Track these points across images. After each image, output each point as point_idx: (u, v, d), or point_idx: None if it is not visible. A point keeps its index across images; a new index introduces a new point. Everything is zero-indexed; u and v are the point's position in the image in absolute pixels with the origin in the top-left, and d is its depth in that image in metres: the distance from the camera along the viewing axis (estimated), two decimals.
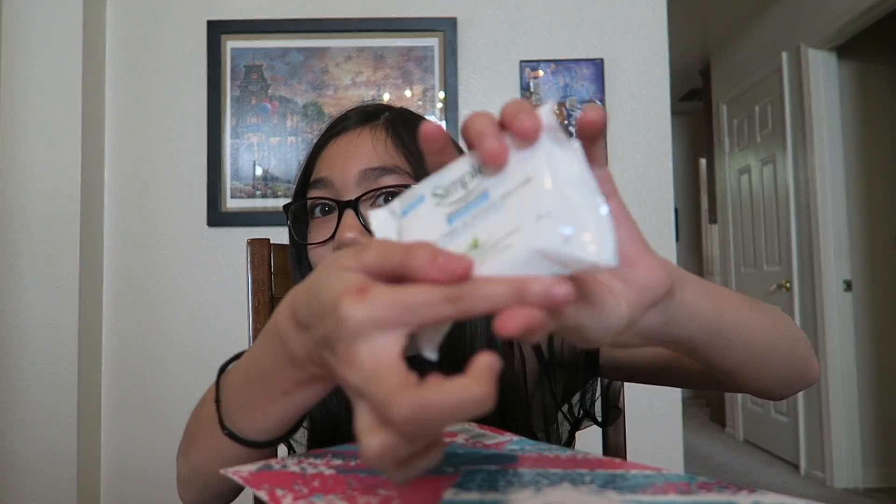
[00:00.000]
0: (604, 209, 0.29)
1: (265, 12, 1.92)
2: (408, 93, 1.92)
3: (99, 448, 1.83)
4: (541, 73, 1.92)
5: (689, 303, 0.40)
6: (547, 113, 0.31)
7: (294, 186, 0.74)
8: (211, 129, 1.89)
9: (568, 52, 1.93)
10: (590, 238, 0.29)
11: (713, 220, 4.94)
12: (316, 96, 1.91)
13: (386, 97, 1.92)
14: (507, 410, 0.68)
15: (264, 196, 1.89)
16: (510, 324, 0.26)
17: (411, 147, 0.66)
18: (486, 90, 1.93)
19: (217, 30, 1.90)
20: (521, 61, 1.92)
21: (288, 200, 0.76)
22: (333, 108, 1.91)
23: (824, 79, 3.27)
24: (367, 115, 0.71)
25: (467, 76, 1.93)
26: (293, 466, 0.38)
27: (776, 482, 3.33)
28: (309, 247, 0.69)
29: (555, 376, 0.73)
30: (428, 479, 0.35)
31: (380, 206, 0.65)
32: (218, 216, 1.88)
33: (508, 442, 0.43)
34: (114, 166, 1.90)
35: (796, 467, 3.50)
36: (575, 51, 1.93)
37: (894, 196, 3.32)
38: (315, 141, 0.74)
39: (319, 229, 0.69)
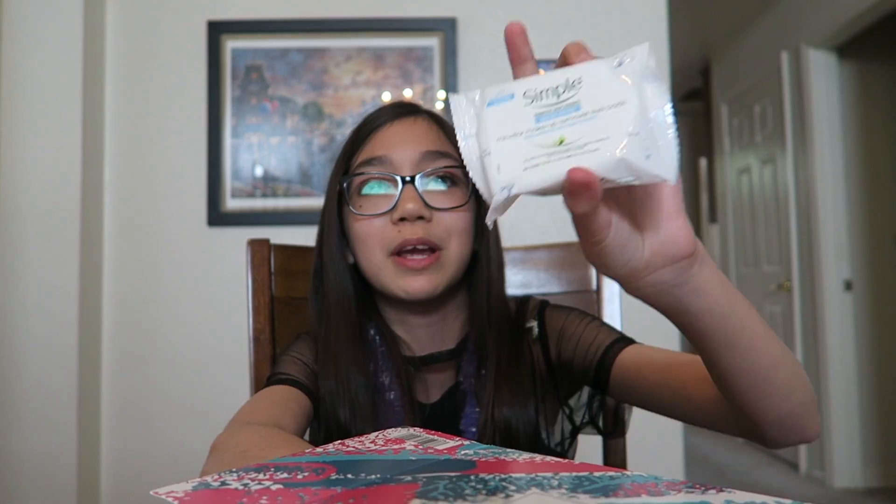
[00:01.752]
0: (675, 139, 0.35)
1: (265, 12, 1.92)
2: (408, 93, 1.92)
3: (99, 448, 1.83)
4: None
5: (704, 279, 0.42)
6: (643, 51, 0.36)
7: (335, 165, 0.76)
8: (211, 129, 1.89)
9: None
10: (662, 159, 0.35)
11: (713, 219, 4.94)
12: (316, 96, 1.91)
13: (386, 97, 1.92)
14: (516, 408, 0.68)
15: (264, 196, 1.89)
16: (579, 173, 0.32)
17: (455, 141, 0.69)
18: None
19: (217, 30, 1.90)
20: None
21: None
22: (333, 108, 1.91)
23: (824, 79, 3.27)
24: (411, 108, 0.76)
25: (467, 76, 1.93)
26: (234, 483, 0.35)
27: (776, 482, 3.33)
28: (362, 220, 0.70)
29: (562, 382, 0.74)
30: (386, 488, 0.33)
31: (434, 185, 0.71)
32: (218, 216, 1.88)
33: (461, 446, 0.42)
34: (114, 166, 1.90)
35: (796, 467, 3.50)
36: None
37: (894, 196, 3.32)
38: (356, 129, 0.76)
39: (373, 204, 0.70)
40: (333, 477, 0.35)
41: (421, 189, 0.69)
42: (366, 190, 0.71)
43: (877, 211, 3.30)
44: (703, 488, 0.32)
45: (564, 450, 0.75)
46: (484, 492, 0.32)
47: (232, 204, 1.89)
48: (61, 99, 1.76)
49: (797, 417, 0.51)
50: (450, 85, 1.89)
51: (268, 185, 1.90)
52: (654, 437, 1.81)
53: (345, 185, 0.72)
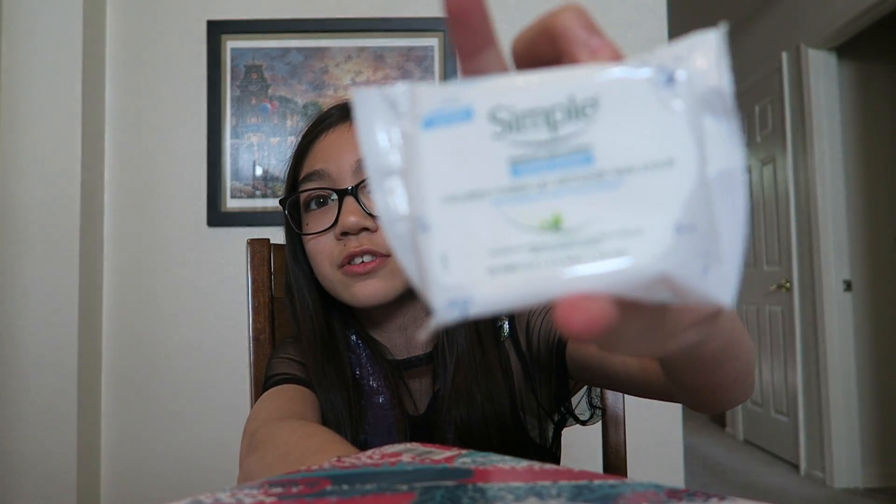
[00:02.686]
0: (744, 230, 0.21)
1: (265, 12, 1.92)
2: None
3: (99, 448, 1.83)
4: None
5: (722, 323, 0.36)
6: (708, 49, 0.21)
7: (285, 183, 0.75)
8: (211, 129, 1.89)
9: None
10: (724, 272, 0.21)
11: None
12: (316, 96, 1.91)
13: None
14: (498, 410, 0.68)
15: (264, 196, 1.89)
16: (574, 317, 0.19)
17: None
18: None
19: (217, 30, 1.90)
20: None
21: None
22: None
23: (824, 79, 3.27)
24: (347, 112, 0.73)
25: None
26: (227, 499, 0.34)
27: (776, 482, 3.33)
28: (309, 238, 0.70)
29: (539, 377, 0.73)
30: (381, 498, 0.33)
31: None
32: (218, 216, 1.88)
33: (458, 455, 0.41)
34: (114, 166, 1.90)
35: (796, 467, 3.50)
36: None
37: (894, 196, 3.32)
38: (300, 138, 0.75)
39: (317, 220, 0.69)
40: (328, 489, 0.35)
41: (363, 198, 0.67)
42: (312, 206, 0.70)
43: (877, 211, 3.30)
44: (704, 496, 0.32)
45: (549, 444, 0.75)
46: (482, 501, 0.32)
47: (232, 204, 1.89)
48: (61, 99, 1.76)
49: (747, 386, 0.49)
50: None
51: (268, 185, 1.90)
52: (654, 438, 1.81)
53: (288, 204, 0.72)
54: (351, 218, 0.66)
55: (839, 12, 3.02)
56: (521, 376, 0.73)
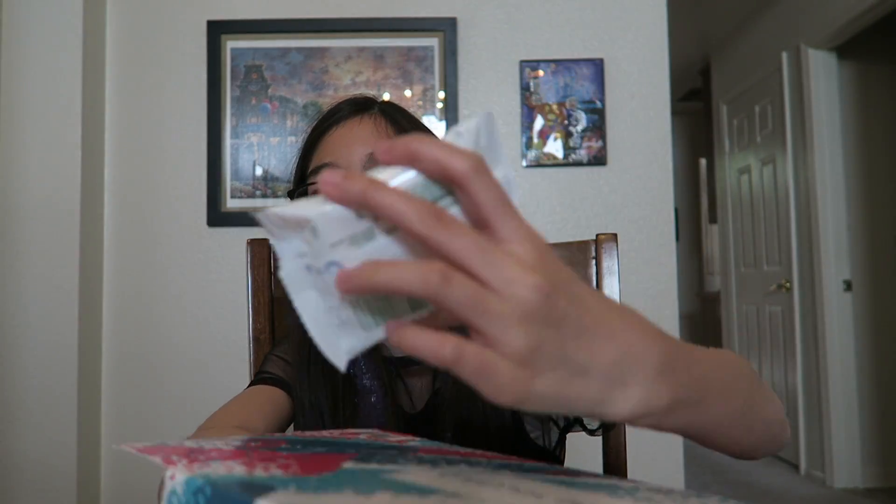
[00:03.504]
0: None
1: (265, 12, 1.92)
2: (408, 93, 1.92)
3: (99, 448, 1.83)
4: (541, 73, 1.92)
5: (677, 419, 0.35)
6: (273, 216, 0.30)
7: (292, 177, 0.74)
8: (211, 129, 1.89)
9: (568, 52, 1.93)
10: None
11: (713, 220, 4.94)
12: (316, 96, 1.91)
13: (386, 97, 1.92)
14: (498, 411, 0.67)
15: (264, 196, 1.89)
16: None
17: (410, 133, 0.67)
18: (486, 90, 1.93)
19: (217, 30, 1.90)
20: (521, 61, 1.92)
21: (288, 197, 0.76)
22: None
23: (824, 79, 3.27)
24: (361, 106, 0.72)
25: (467, 76, 1.93)
26: (189, 443, 0.38)
27: (776, 482, 3.33)
28: None
29: None
30: (328, 455, 0.35)
31: None
32: (218, 216, 1.88)
33: (411, 440, 0.44)
34: (114, 166, 1.90)
35: (796, 467, 3.50)
36: (575, 51, 1.93)
37: (894, 196, 3.32)
38: (309, 131, 0.74)
39: None
40: (283, 446, 0.38)
41: None
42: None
43: (877, 211, 3.30)
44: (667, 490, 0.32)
45: (552, 447, 0.75)
46: (416, 462, 0.34)
47: (232, 204, 1.89)
48: (61, 99, 1.76)
49: (774, 435, 0.48)
50: (450, 85, 1.89)
51: (268, 185, 1.90)
52: (654, 438, 1.81)
53: (296, 197, 0.71)
54: None
55: (839, 12, 3.02)
56: None
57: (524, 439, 0.70)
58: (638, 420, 0.32)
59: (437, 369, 0.71)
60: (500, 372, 0.27)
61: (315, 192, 0.69)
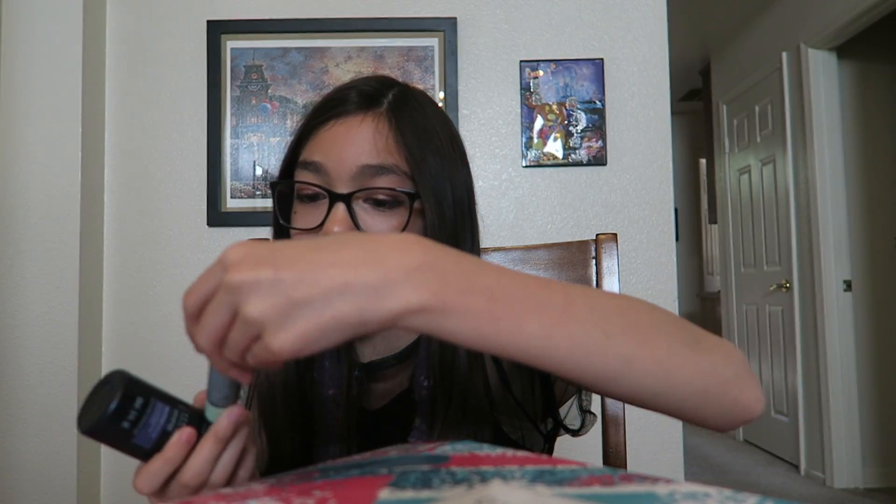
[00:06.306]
0: None
1: (265, 12, 1.92)
2: None
3: (99, 448, 1.83)
4: (541, 73, 1.92)
5: (464, 325, 0.38)
6: None
7: (281, 162, 0.70)
8: (211, 129, 1.89)
9: (568, 52, 1.93)
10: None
11: (713, 220, 4.94)
12: (316, 96, 1.91)
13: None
14: (475, 411, 0.66)
15: (264, 196, 1.89)
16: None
17: (412, 146, 0.65)
18: (486, 90, 1.93)
19: (217, 30, 1.90)
20: (521, 61, 1.92)
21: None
22: None
23: (824, 79, 3.27)
24: (370, 100, 0.67)
25: (467, 76, 1.93)
26: (223, 490, 0.40)
27: (776, 482, 3.33)
28: (294, 232, 0.67)
29: (522, 381, 0.71)
30: (363, 480, 0.35)
31: (370, 205, 0.64)
32: (218, 216, 1.88)
33: (440, 445, 0.44)
34: (114, 166, 1.90)
35: (796, 467, 3.50)
36: (575, 51, 1.93)
37: (894, 196, 3.32)
38: (308, 115, 0.69)
39: (306, 214, 0.66)
40: (316, 476, 0.38)
41: (355, 208, 0.63)
42: (304, 198, 0.66)
43: (877, 211, 3.31)
44: (653, 480, 0.34)
45: (533, 449, 0.74)
46: (451, 482, 0.35)
47: (232, 204, 1.89)
48: (61, 99, 1.76)
49: (691, 413, 0.47)
50: (450, 85, 1.89)
51: (268, 185, 1.90)
52: (654, 438, 1.81)
53: (277, 188, 0.68)
54: (335, 228, 0.62)
55: (839, 12, 3.02)
56: (496, 379, 0.70)
57: (502, 439, 0.69)
58: (405, 318, 0.36)
59: (413, 374, 0.69)
60: (263, 343, 0.37)
61: (301, 190, 0.66)
